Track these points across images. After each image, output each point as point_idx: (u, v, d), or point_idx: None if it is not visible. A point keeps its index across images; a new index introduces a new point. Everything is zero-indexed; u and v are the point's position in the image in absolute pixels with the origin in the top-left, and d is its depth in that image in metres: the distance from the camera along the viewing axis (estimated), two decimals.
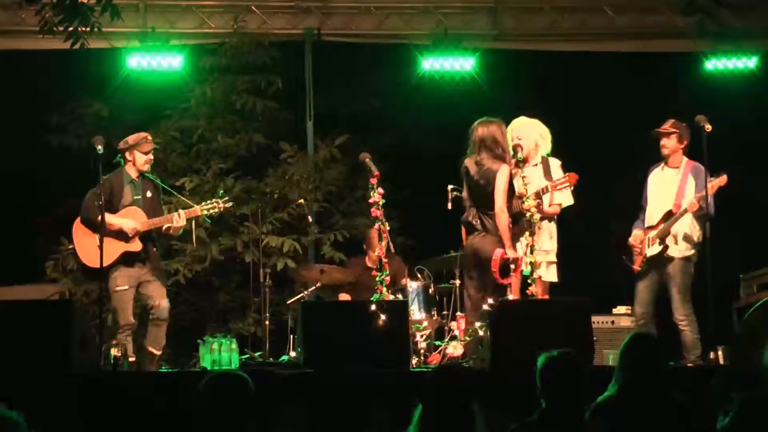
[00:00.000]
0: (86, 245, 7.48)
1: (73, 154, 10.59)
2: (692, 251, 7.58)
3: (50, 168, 10.84)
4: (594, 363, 6.70)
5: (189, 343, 9.00)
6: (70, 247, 7.83)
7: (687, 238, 7.58)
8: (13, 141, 10.57)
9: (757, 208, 10.44)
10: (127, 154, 7.72)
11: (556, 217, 7.62)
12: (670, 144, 7.71)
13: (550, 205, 7.53)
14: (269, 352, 8.09)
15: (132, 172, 7.73)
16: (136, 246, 7.55)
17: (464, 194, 7.42)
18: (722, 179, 7.39)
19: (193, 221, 8.04)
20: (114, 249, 7.46)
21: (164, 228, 7.74)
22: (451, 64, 10.43)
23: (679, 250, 7.57)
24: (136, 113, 10.73)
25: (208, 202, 8.02)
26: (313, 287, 8.94)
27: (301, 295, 8.96)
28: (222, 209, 8.01)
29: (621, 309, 8.57)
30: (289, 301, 9.17)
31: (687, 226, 7.58)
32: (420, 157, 11.09)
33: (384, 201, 7.28)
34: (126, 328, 7.45)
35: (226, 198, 8.13)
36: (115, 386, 6.09)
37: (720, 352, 7.36)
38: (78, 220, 7.61)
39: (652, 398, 4.34)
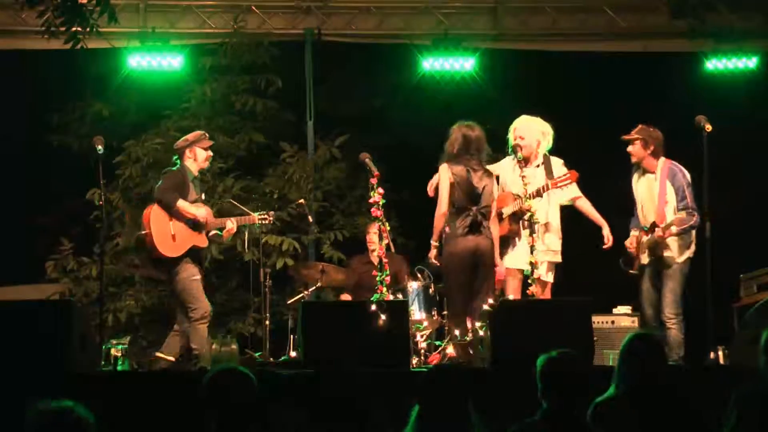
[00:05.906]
0: (163, 233, 7.36)
1: (73, 154, 10.60)
2: (690, 250, 7.42)
3: (50, 168, 10.85)
4: (594, 363, 6.70)
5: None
6: (144, 233, 7.43)
7: (681, 241, 7.39)
8: (14, 140, 10.58)
9: (757, 208, 10.44)
10: (187, 152, 7.64)
11: (559, 218, 7.61)
12: (634, 150, 7.53)
13: (568, 200, 7.56)
14: (269, 352, 8.09)
15: (193, 169, 7.67)
16: (203, 241, 7.55)
17: (459, 196, 7.37)
18: None
19: (246, 230, 8.19)
20: (186, 239, 7.43)
21: (211, 233, 7.70)
22: (451, 64, 10.44)
23: (677, 253, 7.40)
24: (136, 113, 10.77)
25: (260, 213, 8.03)
26: (314, 287, 8.94)
27: (301, 295, 8.96)
28: (270, 222, 8.09)
29: (621, 309, 8.57)
30: (289, 301, 9.17)
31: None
32: (420, 157, 11.07)
33: (384, 201, 7.28)
34: (207, 317, 7.44)
35: (272, 212, 8.24)
36: (115, 386, 6.09)
37: (720, 352, 7.35)
38: (154, 206, 7.46)
39: (653, 399, 4.33)
